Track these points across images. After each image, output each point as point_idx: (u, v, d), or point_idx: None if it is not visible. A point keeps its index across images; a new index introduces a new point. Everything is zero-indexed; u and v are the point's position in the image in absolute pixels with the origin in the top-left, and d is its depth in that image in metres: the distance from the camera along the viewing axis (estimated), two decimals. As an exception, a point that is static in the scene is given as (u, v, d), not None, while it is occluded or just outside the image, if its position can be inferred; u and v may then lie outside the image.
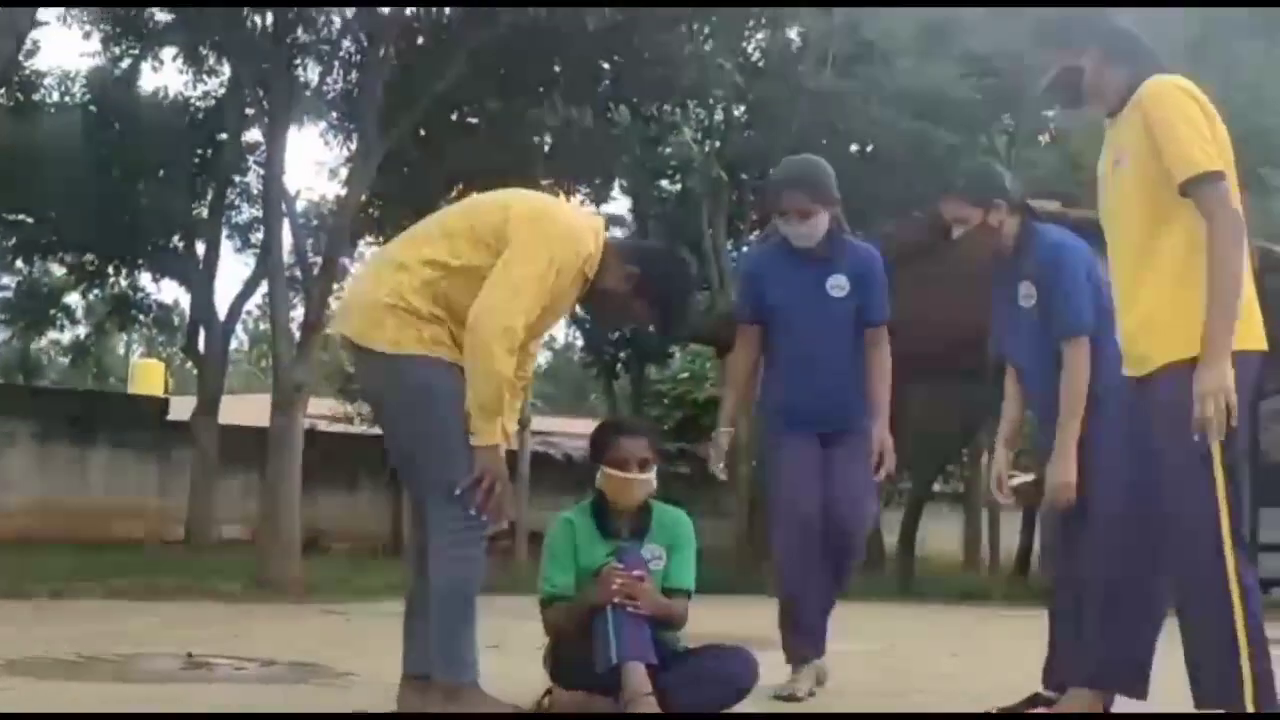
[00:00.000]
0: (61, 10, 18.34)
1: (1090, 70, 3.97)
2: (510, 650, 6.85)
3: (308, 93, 17.57)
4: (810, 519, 5.34)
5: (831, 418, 5.45)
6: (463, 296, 4.08)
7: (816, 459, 5.41)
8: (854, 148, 22.20)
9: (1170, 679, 4.02)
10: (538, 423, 23.66)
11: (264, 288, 18.66)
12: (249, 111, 18.48)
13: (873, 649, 7.79)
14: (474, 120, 18.68)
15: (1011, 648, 7.38)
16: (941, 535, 26.50)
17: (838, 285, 5.46)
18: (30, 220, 19.70)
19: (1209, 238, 3.62)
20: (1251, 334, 3.71)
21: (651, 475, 4.61)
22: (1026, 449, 5.43)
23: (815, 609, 5.49)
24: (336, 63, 18.24)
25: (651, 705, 4.16)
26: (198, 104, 19.80)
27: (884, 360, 5.56)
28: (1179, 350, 3.66)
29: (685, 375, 28.57)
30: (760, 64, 21.21)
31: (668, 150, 19.52)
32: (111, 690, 5.17)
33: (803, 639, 5.46)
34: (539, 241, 4.11)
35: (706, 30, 19.76)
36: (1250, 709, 3.53)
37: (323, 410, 26.90)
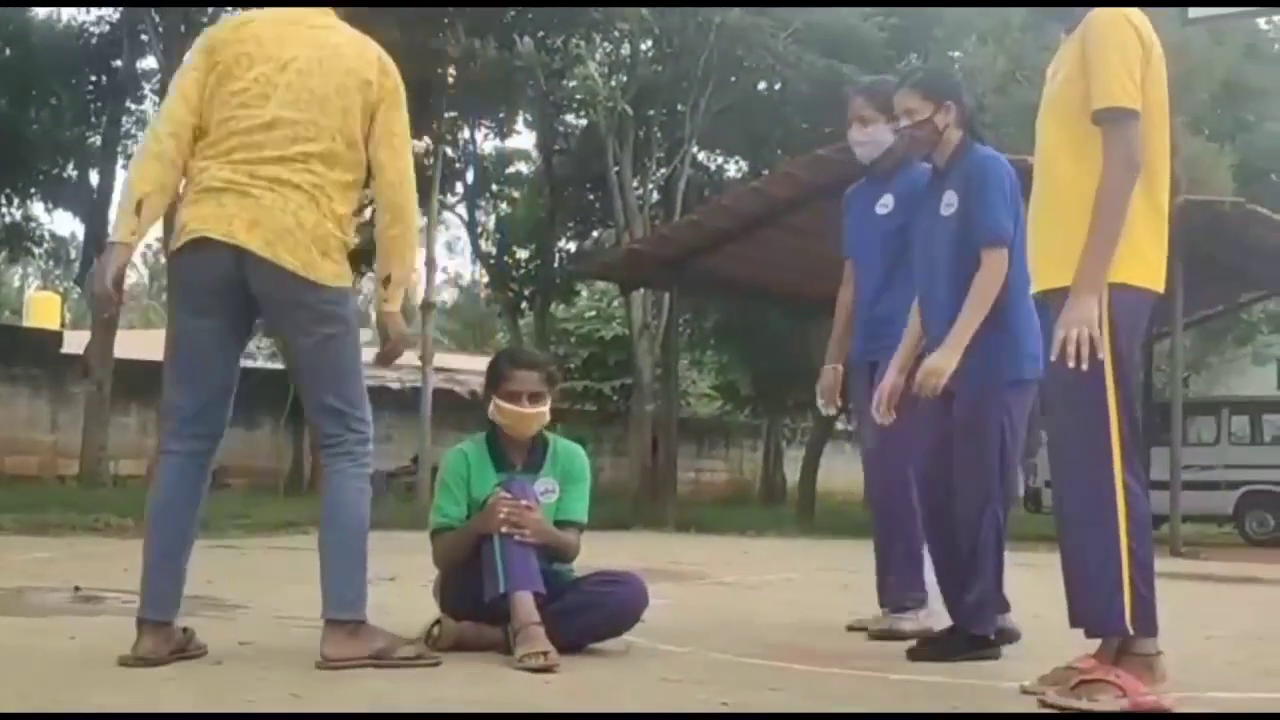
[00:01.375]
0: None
1: None
2: (405, 583, 6.83)
3: (204, 20, 17.14)
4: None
5: (878, 348, 5.21)
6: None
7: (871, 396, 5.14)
8: (761, 85, 22.18)
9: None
10: (441, 359, 23.54)
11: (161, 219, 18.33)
12: (144, 38, 18.04)
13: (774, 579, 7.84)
14: (375, 49, 18.36)
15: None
16: (846, 473, 26.82)
17: (883, 204, 5.36)
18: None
19: (1103, 172, 3.65)
20: (1142, 272, 3.73)
21: (543, 408, 4.57)
22: None
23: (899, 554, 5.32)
24: (232, -12, 17.84)
25: (539, 635, 4.13)
26: (92, 30, 19.30)
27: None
28: (1060, 277, 3.70)
29: (592, 314, 28.56)
30: (668, -2, 21.05)
31: (572, 84, 19.33)
32: (-5, 624, 5.06)
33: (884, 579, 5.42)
34: (401, 95, 4.13)
35: (614, -38, 19.59)
36: (1130, 631, 3.58)
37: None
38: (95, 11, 19.01)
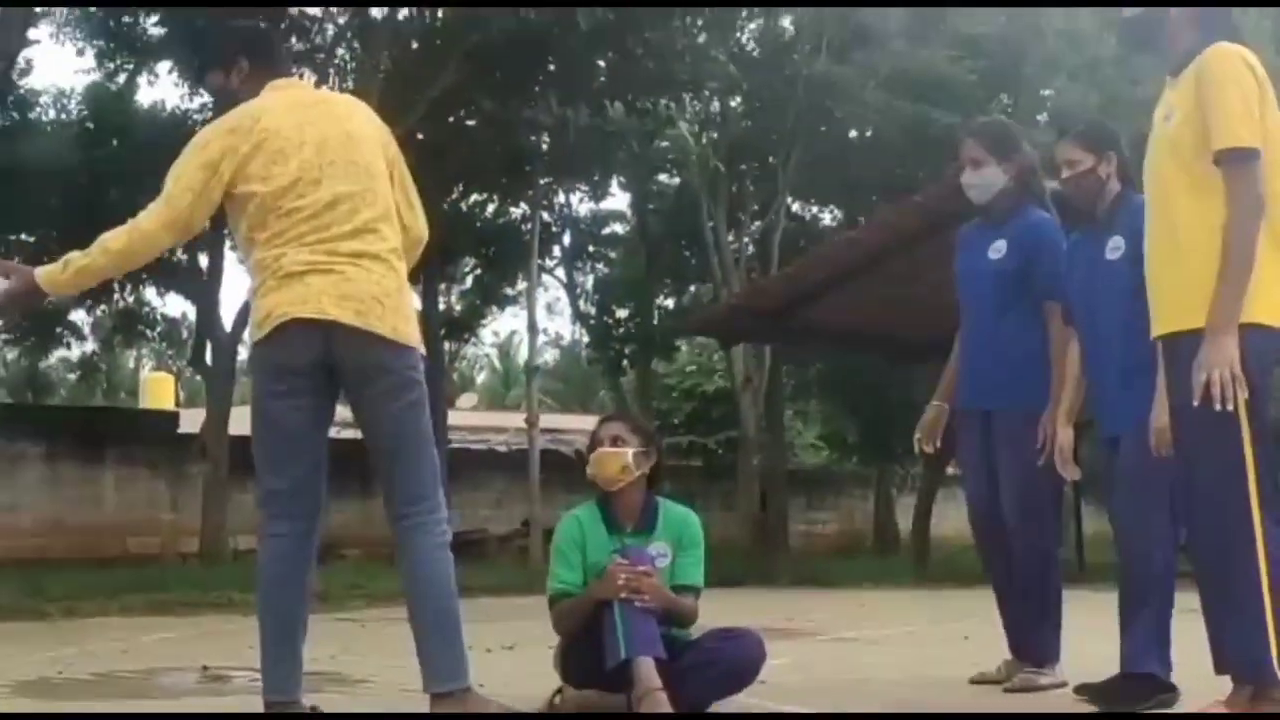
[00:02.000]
0: (55, 28, 18.35)
1: (1172, 21, 3.99)
2: (524, 649, 6.88)
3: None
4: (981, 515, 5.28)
5: (988, 394, 5.22)
6: None
7: (978, 445, 5.23)
8: (852, 133, 22.20)
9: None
10: (546, 420, 23.68)
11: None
12: (247, 122, 18.46)
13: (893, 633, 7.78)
14: (471, 122, 18.67)
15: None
16: (959, 518, 26.44)
17: (996, 248, 5.29)
18: (31, 240, 19.71)
19: (1228, 214, 3.66)
20: (1270, 310, 3.72)
21: (624, 450, 4.60)
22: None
23: (1012, 609, 5.25)
24: (331, 70, 18.25)
25: (662, 700, 4.16)
26: (195, 117, 19.77)
27: (1056, 336, 5.09)
28: (1188, 320, 3.70)
29: (693, 368, 28.60)
30: (754, 54, 21.19)
31: (664, 144, 19.48)
32: (129, 707, 5.18)
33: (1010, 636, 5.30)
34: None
35: (699, 23, 19.75)
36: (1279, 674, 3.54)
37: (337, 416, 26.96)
38: (198, 99, 19.47)
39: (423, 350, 4.16)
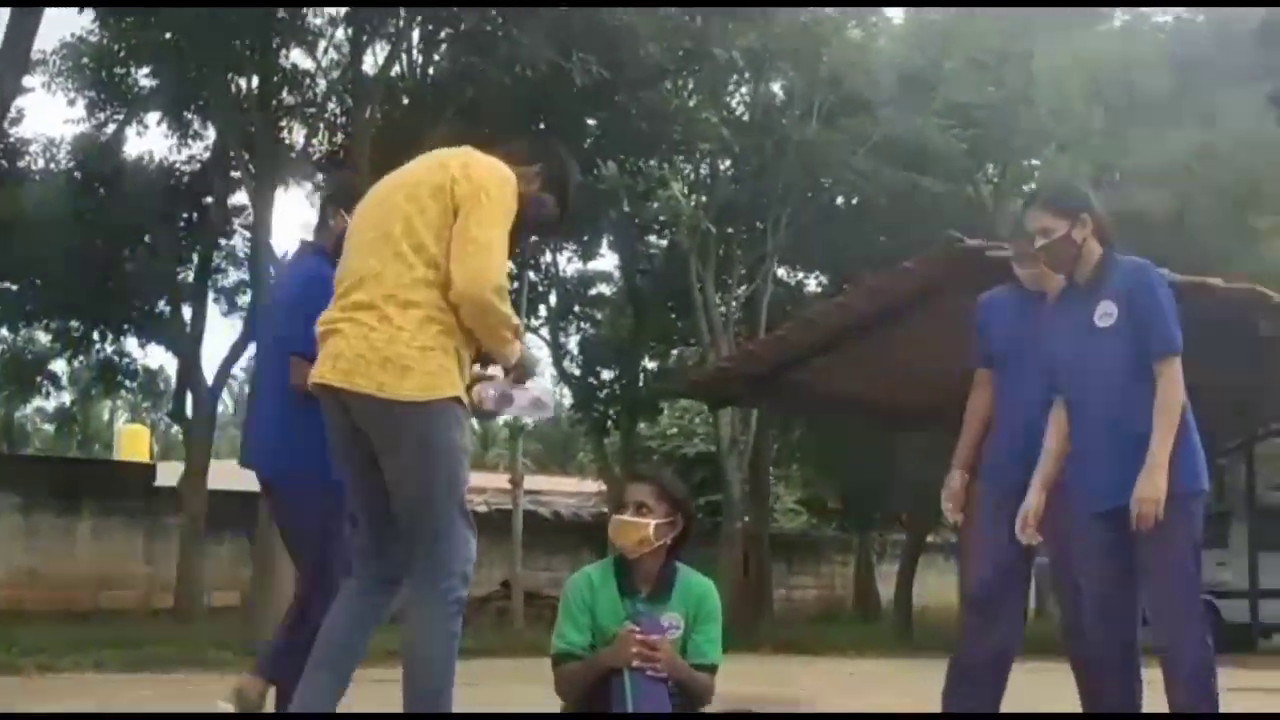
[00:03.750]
0: (47, 77, 18.32)
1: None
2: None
3: (293, 155, 17.53)
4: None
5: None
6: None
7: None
8: (839, 200, 22.25)
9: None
10: (528, 481, 23.52)
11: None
12: (234, 174, 18.43)
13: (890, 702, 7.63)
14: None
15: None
16: (938, 586, 26.36)
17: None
18: (14, 287, 19.58)
19: None
20: None
21: (646, 520, 4.45)
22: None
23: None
24: (322, 124, 18.22)
25: (671, 772, 4.03)
26: (183, 168, 19.72)
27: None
28: None
29: (674, 431, 28.50)
30: (745, 117, 21.25)
31: (656, 205, 19.46)
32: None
33: None
34: (488, 195, 3.99)
35: (691, 84, 19.81)
36: None
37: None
38: (185, 150, 19.43)
39: (431, 397, 3.88)
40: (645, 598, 4.48)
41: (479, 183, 4.00)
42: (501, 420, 19.84)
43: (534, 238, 20.12)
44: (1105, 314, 4.54)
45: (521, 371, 4.17)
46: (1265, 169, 19.32)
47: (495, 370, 4.18)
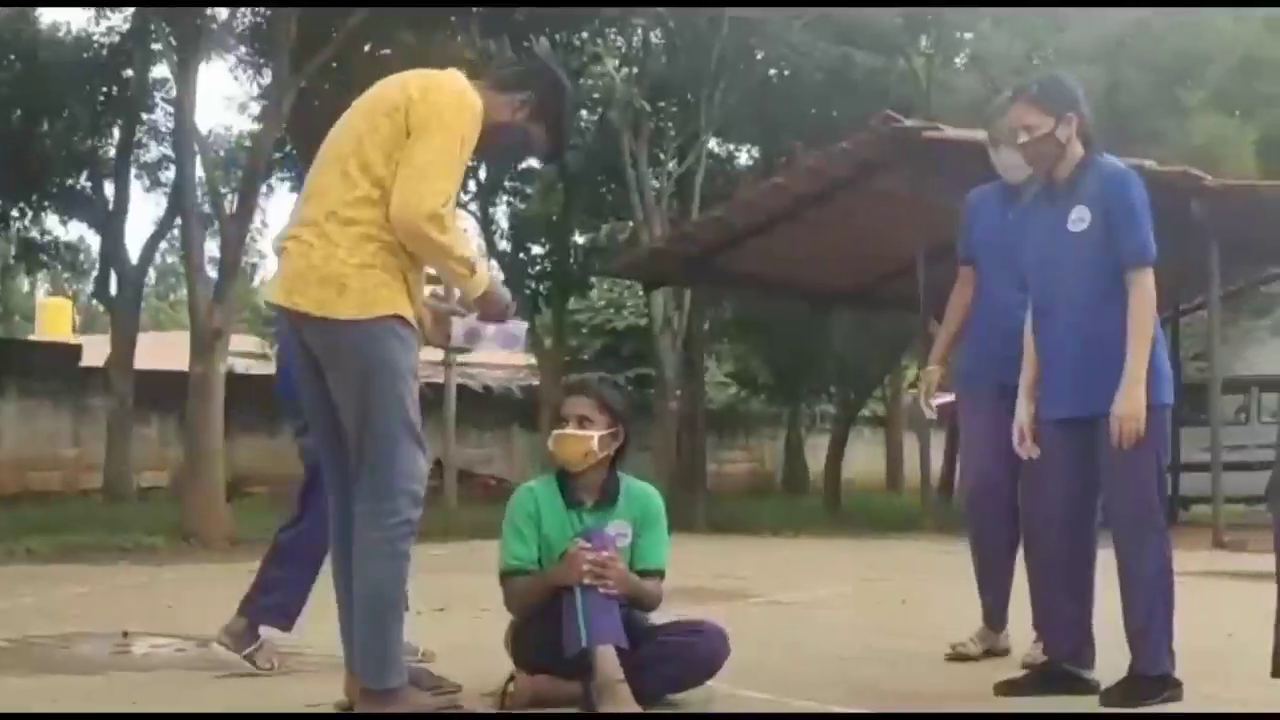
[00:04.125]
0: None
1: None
2: (457, 613, 6.70)
3: (215, 26, 17.00)
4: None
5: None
6: None
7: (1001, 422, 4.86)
8: (773, 72, 22.02)
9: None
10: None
11: (176, 229, 18.23)
12: (155, 47, 17.89)
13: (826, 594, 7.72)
14: (388, 52, 18.20)
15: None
16: (865, 459, 26.72)
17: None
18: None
19: None
20: None
21: (589, 433, 4.40)
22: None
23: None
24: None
25: (624, 693, 4.02)
26: (101, 40, 19.12)
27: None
28: None
29: (603, 304, 28.38)
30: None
31: (589, 82, 19.14)
32: (46, 684, 4.92)
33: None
34: (440, 120, 3.86)
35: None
36: None
37: (242, 348, 26.44)
38: (104, 22, 18.81)
39: (371, 315, 3.79)
40: (590, 509, 4.45)
41: (435, 106, 3.88)
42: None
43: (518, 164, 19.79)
44: (1079, 219, 4.44)
45: (489, 308, 4.09)
46: (1197, 45, 19.34)
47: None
